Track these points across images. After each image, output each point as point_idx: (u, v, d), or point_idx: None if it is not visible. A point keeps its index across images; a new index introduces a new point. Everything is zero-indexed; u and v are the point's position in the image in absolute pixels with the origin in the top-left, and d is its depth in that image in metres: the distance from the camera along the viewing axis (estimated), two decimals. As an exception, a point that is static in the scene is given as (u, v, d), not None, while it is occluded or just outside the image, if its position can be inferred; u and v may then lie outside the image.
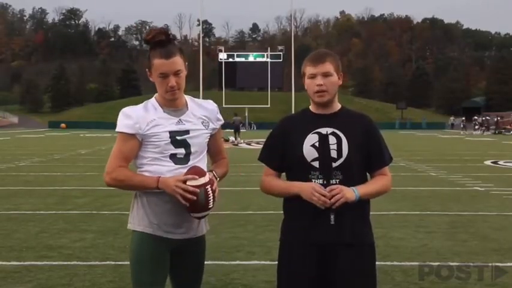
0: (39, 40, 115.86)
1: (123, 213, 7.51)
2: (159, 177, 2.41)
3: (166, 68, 2.40)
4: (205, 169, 2.54)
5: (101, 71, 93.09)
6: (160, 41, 2.42)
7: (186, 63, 2.49)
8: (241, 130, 32.71)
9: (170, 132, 2.45)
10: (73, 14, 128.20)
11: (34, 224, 6.81)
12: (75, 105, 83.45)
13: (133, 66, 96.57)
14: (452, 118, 67.04)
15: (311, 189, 2.33)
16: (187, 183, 2.37)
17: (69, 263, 5.01)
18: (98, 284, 4.41)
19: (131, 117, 2.45)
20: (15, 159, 16.77)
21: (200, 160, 2.53)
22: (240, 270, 4.78)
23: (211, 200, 2.42)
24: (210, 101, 2.67)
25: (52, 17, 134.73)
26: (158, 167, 2.45)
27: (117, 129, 2.48)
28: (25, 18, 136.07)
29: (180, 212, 2.44)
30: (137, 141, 2.46)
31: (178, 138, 2.46)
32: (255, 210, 7.68)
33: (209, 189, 2.40)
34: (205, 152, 2.60)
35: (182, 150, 2.47)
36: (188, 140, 2.48)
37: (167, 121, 2.47)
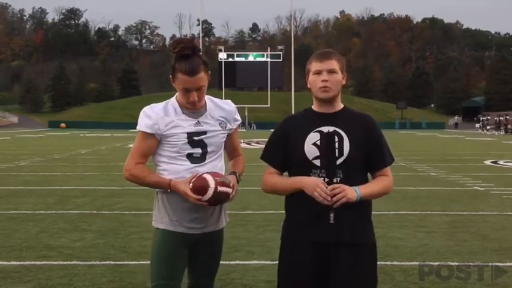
0: (39, 40, 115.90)
1: (123, 213, 7.52)
2: (171, 181, 2.50)
3: (190, 85, 2.49)
4: (223, 167, 2.66)
5: (100, 70, 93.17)
6: (187, 54, 2.47)
7: (209, 72, 2.57)
8: None
9: (188, 133, 2.55)
10: (73, 13, 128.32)
11: (34, 223, 6.80)
12: (75, 105, 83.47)
13: (133, 66, 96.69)
14: (456, 118, 66.97)
15: (315, 184, 2.35)
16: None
17: (69, 262, 5.01)
18: (97, 284, 4.40)
19: (151, 118, 2.55)
20: (15, 159, 16.76)
21: (217, 158, 2.63)
22: (240, 270, 4.78)
23: (230, 198, 2.53)
24: (229, 102, 2.75)
25: (52, 16, 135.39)
26: (175, 165, 2.56)
27: (137, 128, 2.58)
28: (25, 18, 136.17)
29: (200, 208, 2.52)
30: (156, 140, 2.57)
31: (195, 138, 2.55)
32: (255, 210, 7.68)
33: (220, 192, 2.47)
34: (222, 150, 2.69)
35: (199, 150, 2.57)
36: (205, 140, 2.58)
37: (186, 122, 2.56)
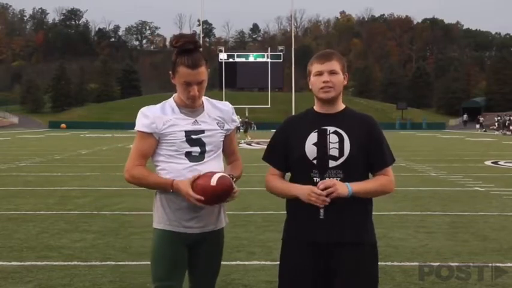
0: (39, 40, 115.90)
1: (124, 214, 7.53)
2: (173, 181, 2.49)
3: (192, 78, 2.49)
4: (222, 168, 2.64)
5: (101, 71, 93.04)
6: (189, 49, 2.48)
7: (208, 70, 2.58)
8: None
9: (186, 131, 2.55)
10: (73, 14, 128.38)
11: (34, 224, 6.81)
12: (75, 106, 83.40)
13: (133, 66, 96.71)
14: (465, 116, 67.18)
15: (308, 193, 2.34)
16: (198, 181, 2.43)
17: (69, 263, 5.02)
18: (98, 284, 4.41)
19: (148, 117, 2.55)
20: (15, 159, 16.77)
21: (215, 158, 2.62)
22: (240, 271, 4.79)
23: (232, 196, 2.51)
24: (226, 103, 2.76)
25: (52, 17, 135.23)
26: (174, 164, 2.55)
27: (135, 128, 2.57)
28: (25, 18, 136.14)
29: (198, 207, 2.50)
30: (154, 140, 2.56)
31: (193, 137, 2.55)
32: (256, 211, 7.68)
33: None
34: (221, 150, 2.68)
35: (197, 149, 2.56)
36: (203, 139, 2.57)
37: (183, 121, 2.56)
